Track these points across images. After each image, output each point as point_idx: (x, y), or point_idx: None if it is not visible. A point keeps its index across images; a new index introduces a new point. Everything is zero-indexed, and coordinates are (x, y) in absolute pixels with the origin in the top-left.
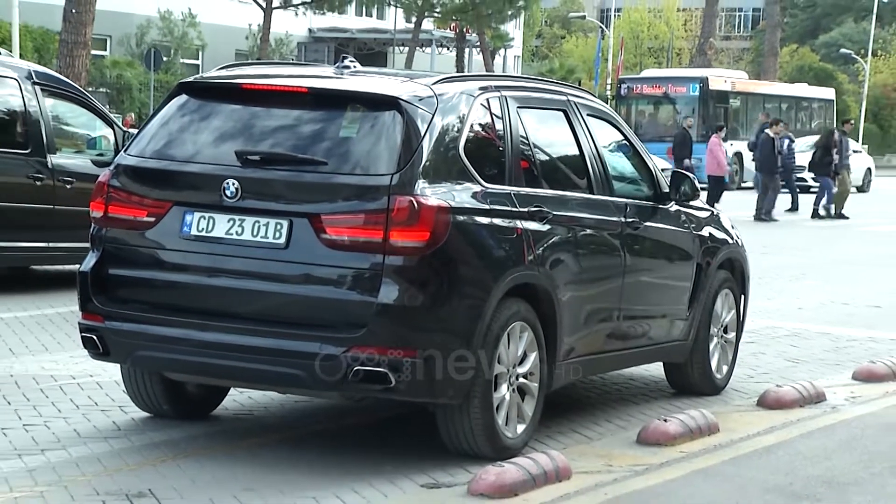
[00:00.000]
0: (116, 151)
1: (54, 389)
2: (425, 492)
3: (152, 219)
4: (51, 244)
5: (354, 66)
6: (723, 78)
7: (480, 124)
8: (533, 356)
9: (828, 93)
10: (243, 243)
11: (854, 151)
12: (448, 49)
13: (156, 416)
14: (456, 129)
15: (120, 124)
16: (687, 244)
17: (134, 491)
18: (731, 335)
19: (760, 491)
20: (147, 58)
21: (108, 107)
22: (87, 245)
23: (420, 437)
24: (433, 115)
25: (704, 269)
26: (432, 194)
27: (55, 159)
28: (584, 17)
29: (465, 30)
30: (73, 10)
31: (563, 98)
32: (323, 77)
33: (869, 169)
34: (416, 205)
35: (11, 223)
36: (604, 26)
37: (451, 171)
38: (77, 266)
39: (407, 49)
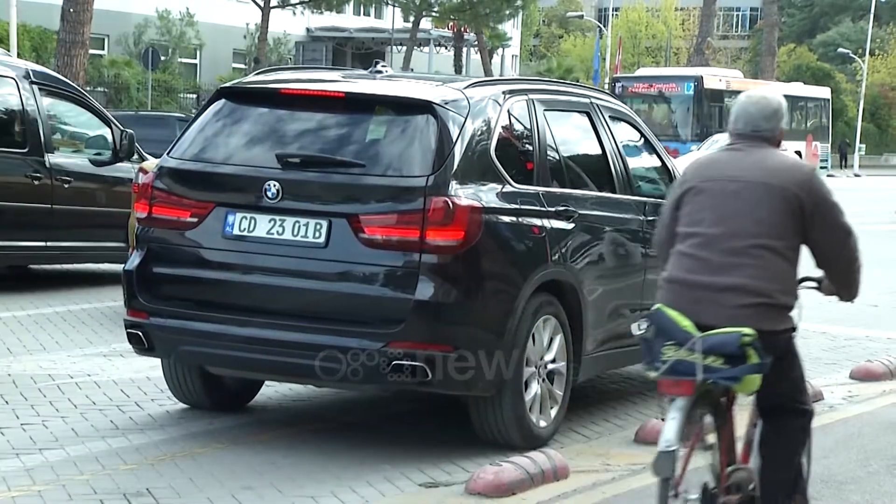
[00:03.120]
0: (114, 151)
1: (52, 389)
2: (423, 491)
3: (195, 219)
4: (49, 243)
5: (387, 71)
6: (717, 77)
7: (510, 127)
8: (560, 350)
9: (823, 92)
10: (284, 242)
11: None
12: (446, 48)
13: (194, 407)
14: (487, 131)
15: (118, 125)
16: None
17: (132, 490)
18: None
19: None
20: (145, 57)
21: (108, 107)
22: (85, 244)
23: (418, 436)
24: (465, 119)
25: None
26: (465, 195)
27: (53, 158)
28: (581, 16)
29: (462, 29)
30: (71, 10)
31: (587, 100)
32: (358, 82)
33: None
34: (450, 205)
35: (10, 222)
36: (602, 26)
37: (482, 172)
38: (75, 265)
39: (405, 48)
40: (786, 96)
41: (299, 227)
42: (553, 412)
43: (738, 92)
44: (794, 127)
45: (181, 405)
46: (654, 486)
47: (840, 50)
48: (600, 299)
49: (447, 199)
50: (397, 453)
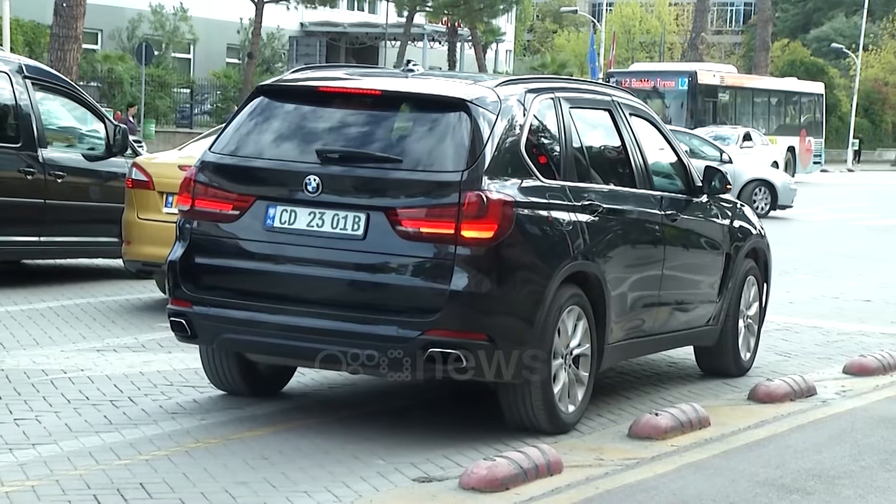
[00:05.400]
0: (107, 145)
1: (45, 384)
2: (417, 486)
3: (237, 212)
4: (42, 238)
5: (418, 70)
6: (711, 72)
7: (538, 124)
8: (585, 339)
9: (817, 87)
10: (323, 234)
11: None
12: (440, 43)
13: (231, 394)
14: (517, 128)
15: (111, 118)
16: (718, 235)
17: (126, 485)
18: (755, 320)
19: (751, 484)
20: (138, 52)
21: (102, 101)
22: (78, 239)
23: (412, 431)
24: (497, 116)
25: (733, 258)
26: (498, 189)
27: (46, 153)
28: (575, 11)
29: (456, 24)
30: (64, 4)
31: (608, 98)
32: (393, 79)
33: None
34: (484, 199)
35: (2, 217)
36: (595, 21)
37: (512, 167)
38: (68, 260)
39: (398, 43)
40: (780, 91)
41: (338, 219)
42: (578, 399)
43: (732, 87)
44: (788, 122)
45: (174, 400)
46: (649, 481)
47: (834, 45)
48: (622, 291)
49: (481, 193)
50: (391, 448)
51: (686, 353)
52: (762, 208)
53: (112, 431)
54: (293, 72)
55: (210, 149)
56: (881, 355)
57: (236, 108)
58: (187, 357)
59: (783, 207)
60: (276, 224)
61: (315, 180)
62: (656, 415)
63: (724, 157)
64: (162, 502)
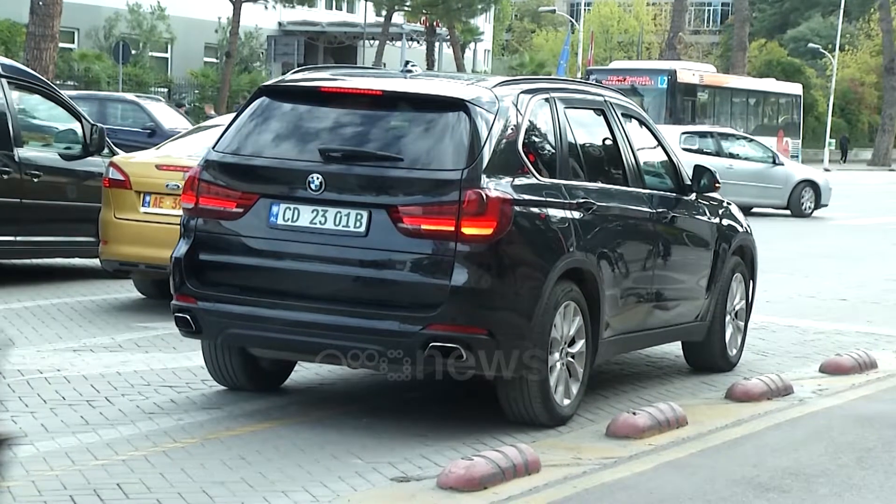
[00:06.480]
0: (84, 145)
1: (21, 384)
2: (395, 485)
3: (241, 209)
4: (18, 238)
5: (417, 70)
6: (691, 71)
7: (535, 123)
8: (581, 333)
9: (795, 88)
10: (326, 231)
11: None
12: (418, 43)
13: (233, 389)
14: (514, 127)
15: (88, 118)
16: (706, 232)
17: (102, 486)
18: (742, 316)
19: (728, 483)
20: (115, 51)
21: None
22: (55, 239)
23: (390, 430)
24: (495, 116)
25: (721, 255)
26: (496, 187)
27: (22, 153)
28: (554, 11)
29: (435, 23)
30: (41, 3)
31: (601, 99)
32: (392, 80)
33: None
34: (484, 197)
35: None
36: (574, 20)
37: (510, 165)
38: (45, 260)
39: (377, 43)
40: (758, 92)
41: (341, 217)
42: (574, 392)
43: (711, 87)
44: (766, 122)
45: (151, 400)
46: (627, 480)
47: (810, 45)
48: (616, 287)
49: (480, 191)
50: (368, 448)
51: (664, 352)
52: (808, 207)
53: (88, 432)
54: (294, 73)
55: (213, 147)
56: (857, 354)
57: (213, 107)
58: (164, 357)
59: (823, 206)
60: (280, 221)
61: (318, 178)
62: (634, 414)
63: (778, 160)
64: (139, 503)
